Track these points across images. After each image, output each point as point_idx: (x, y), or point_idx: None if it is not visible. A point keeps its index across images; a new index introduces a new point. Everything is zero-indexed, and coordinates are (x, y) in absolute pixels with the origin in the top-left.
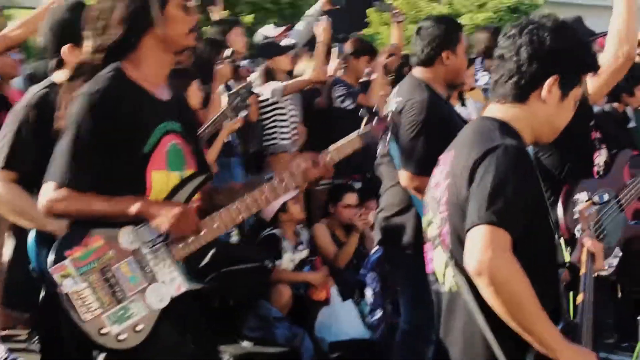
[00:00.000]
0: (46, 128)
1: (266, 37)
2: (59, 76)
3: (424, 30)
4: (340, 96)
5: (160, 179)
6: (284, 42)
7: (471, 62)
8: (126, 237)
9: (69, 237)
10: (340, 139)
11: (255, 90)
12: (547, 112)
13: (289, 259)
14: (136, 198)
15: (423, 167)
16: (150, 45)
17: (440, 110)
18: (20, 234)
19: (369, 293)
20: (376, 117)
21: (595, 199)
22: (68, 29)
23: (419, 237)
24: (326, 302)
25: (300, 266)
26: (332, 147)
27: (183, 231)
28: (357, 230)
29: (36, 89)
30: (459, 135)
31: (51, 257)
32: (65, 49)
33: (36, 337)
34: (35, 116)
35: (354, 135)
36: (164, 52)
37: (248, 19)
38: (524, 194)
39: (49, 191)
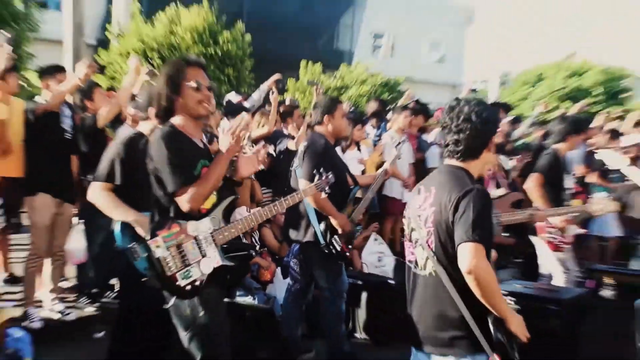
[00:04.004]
0: (132, 159)
1: (230, 101)
2: (143, 127)
3: (314, 105)
4: (279, 140)
5: None
6: (246, 104)
7: (364, 121)
8: (191, 227)
9: (158, 223)
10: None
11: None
12: (480, 165)
13: None
14: None
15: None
16: (179, 111)
17: (329, 150)
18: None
19: (292, 273)
20: None
21: None
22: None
23: (315, 235)
24: (271, 281)
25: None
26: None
27: None
28: None
29: (127, 133)
30: (433, 177)
31: (147, 236)
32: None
33: (83, 298)
34: (125, 152)
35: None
36: (189, 116)
37: None
38: (490, 221)
39: (183, 197)
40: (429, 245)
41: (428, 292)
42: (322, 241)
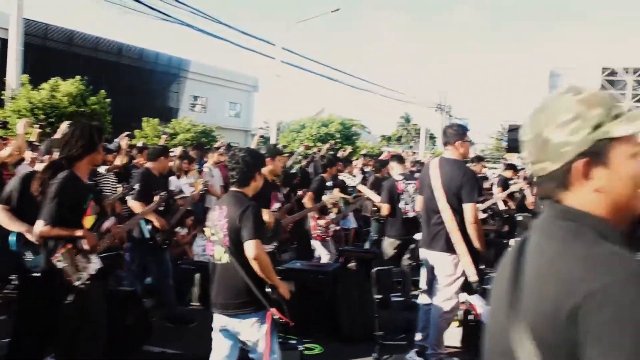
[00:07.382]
0: (25, 191)
1: None
2: (38, 167)
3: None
4: (133, 172)
5: (87, 220)
6: (110, 147)
7: (191, 158)
8: (79, 243)
9: (54, 245)
10: None
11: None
12: (251, 190)
13: None
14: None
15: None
16: (87, 161)
17: (152, 178)
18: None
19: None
20: None
21: None
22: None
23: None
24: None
25: None
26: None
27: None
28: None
29: (25, 171)
30: (224, 198)
31: (52, 253)
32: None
33: None
34: (21, 185)
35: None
36: (90, 165)
37: None
38: (262, 222)
39: (40, 224)
40: (225, 244)
41: (224, 274)
42: (147, 235)
